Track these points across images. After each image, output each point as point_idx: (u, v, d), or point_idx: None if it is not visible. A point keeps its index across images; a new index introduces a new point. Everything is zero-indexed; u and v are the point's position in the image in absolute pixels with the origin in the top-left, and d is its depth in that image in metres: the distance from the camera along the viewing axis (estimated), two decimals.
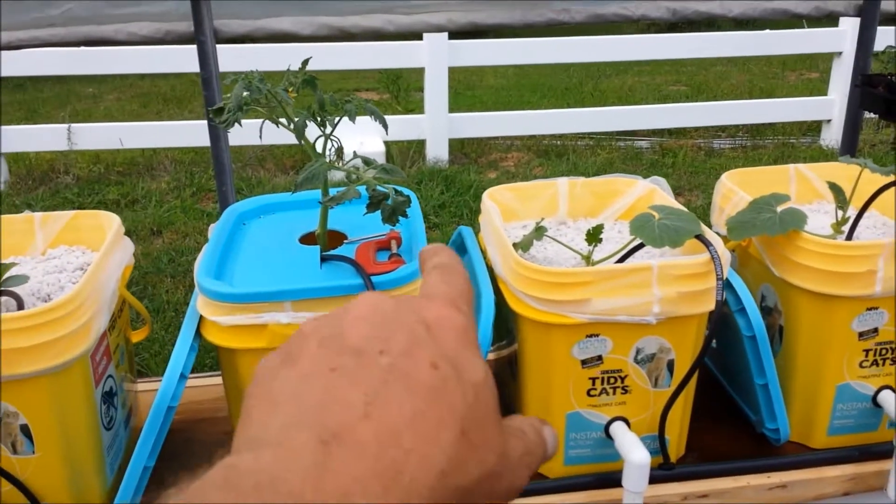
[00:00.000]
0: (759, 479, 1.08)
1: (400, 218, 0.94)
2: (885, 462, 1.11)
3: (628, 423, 1.05)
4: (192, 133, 4.60)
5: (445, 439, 0.35)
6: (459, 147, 4.96)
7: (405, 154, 4.74)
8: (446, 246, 0.47)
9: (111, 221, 1.14)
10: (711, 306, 0.99)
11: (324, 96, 1.02)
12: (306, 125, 1.00)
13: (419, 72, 4.72)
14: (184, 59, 4.35)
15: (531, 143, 5.07)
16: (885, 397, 1.09)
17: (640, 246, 1.06)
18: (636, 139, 5.14)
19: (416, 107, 5.38)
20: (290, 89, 1.02)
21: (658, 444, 1.06)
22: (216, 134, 2.09)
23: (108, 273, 1.04)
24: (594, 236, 1.08)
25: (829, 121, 4.87)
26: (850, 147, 2.23)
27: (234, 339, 0.93)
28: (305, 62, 1.08)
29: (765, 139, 5.07)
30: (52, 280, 1.08)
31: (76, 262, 1.13)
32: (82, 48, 4.46)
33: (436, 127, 4.66)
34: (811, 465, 1.10)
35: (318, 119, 1.01)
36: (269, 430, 0.35)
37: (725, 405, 1.23)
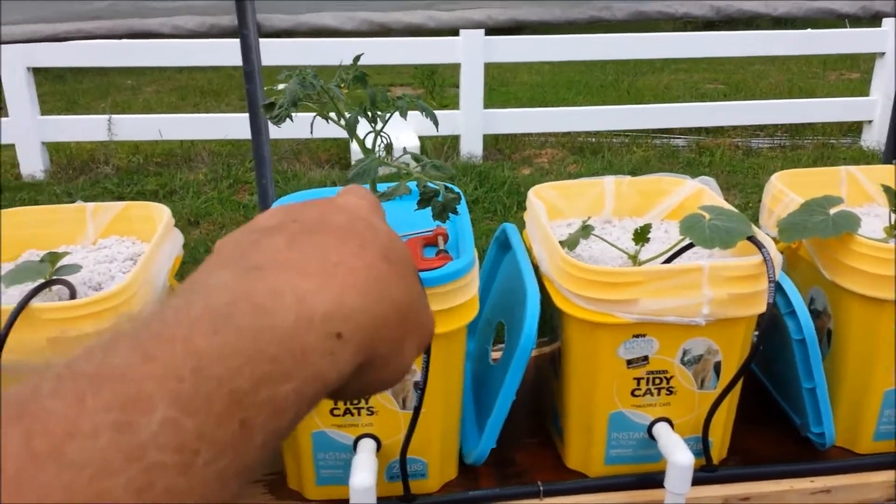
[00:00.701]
0: (802, 483, 1.07)
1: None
2: None
3: (672, 425, 1.04)
4: (229, 125, 4.65)
5: (369, 257, 0.36)
6: (493, 143, 4.95)
7: (439, 149, 4.74)
8: (359, 185, 0.49)
9: (161, 213, 1.16)
10: (761, 309, 0.98)
11: (375, 92, 1.02)
12: (358, 121, 1.00)
13: (454, 67, 4.72)
14: (221, 52, 4.40)
15: (566, 140, 5.04)
16: None
17: (689, 246, 1.05)
18: (672, 137, 5.09)
19: (450, 102, 5.38)
20: (342, 85, 1.02)
21: (701, 446, 1.06)
22: (258, 127, 2.10)
23: (160, 264, 1.05)
24: (642, 236, 1.07)
25: (870, 122, 4.79)
26: (895, 148, 2.19)
27: None
28: (357, 58, 1.08)
29: (804, 139, 4.99)
30: (103, 269, 1.10)
31: (126, 252, 1.15)
32: (122, 40, 4.52)
33: (470, 122, 4.66)
34: (856, 470, 1.09)
35: (370, 115, 1.01)
36: (190, 284, 0.35)
37: (769, 408, 1.22)
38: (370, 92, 1.03)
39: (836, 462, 1.10)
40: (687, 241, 1.05)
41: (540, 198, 1.21)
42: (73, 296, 0.99)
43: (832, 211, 1.07)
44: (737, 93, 6.39)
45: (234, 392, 0.29)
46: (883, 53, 4.64)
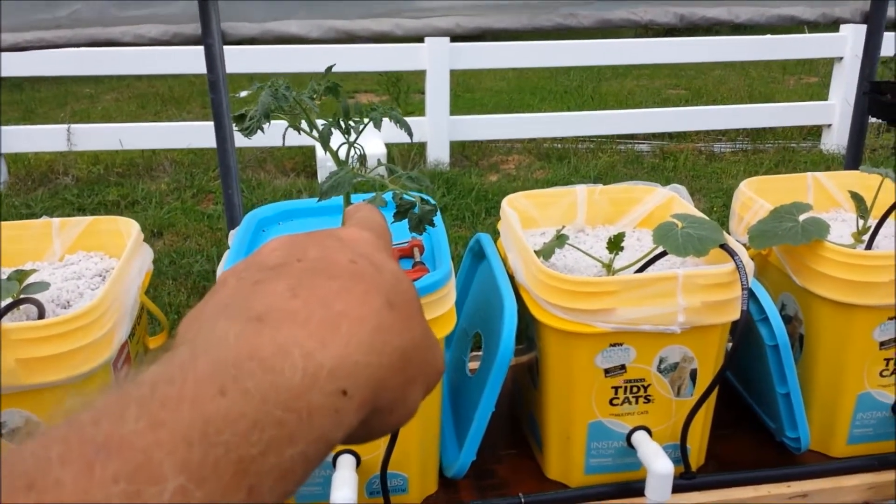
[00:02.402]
0: (779, 488, 1.08)
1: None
2: None
3: (650, 433, 1.05)
4: (192, 134, 4.59)
5: (373, 304, 0.36)
6: (460, 149, 4.95)
7: (406, 156, 4.73)
8: (369, 204, 0.49)
9: (130, 227, 1.14)
10: (735, 316, 0.99)
11: (348, 104, 1.01)
12: (331, 133, 0.99)
13: (418, 74, 4.72)
14: (182, 60, 4.35)
15: (531, 147, 5.07)
16: None
17: (662, 254, 1.06)
18: (637, 142, 5.14)
19: (415, 109, 5.38)
20: (314, 96, 1.01)
21: (679, 454, 1.06)
22: (223, 136, 2.07)
23: (130, 280, 1.03)
24: (615, 244, 1.08)
25: (829, 125, 4.89)
26: (856, 153, 2.23)
27: None
28: (329, 69, 1.07)
29: (765, 143, 5.08)
30: (71, 287, 1.07)
31: (94, 268, 1.13)
32: (82, 48, 4.44)
33: (437, 129, 4.66)
34: (831, 474, 1.11)
35: (343, 126, 1.00)
36: (195, 334, 0.34)
37: (743, 414, 1.23)
38: (343, 103, 1.02)
39: (812, 466, 1.11)
40: (659, 250, 1.06)
41: (513, 207, 1.21)
42: (41, 315, 0.97)
43: (801, 217, 1.08)
44: (698, 98, 6.48)
45: (241, 459, 0.28)
46: (841, 58, 4.74)
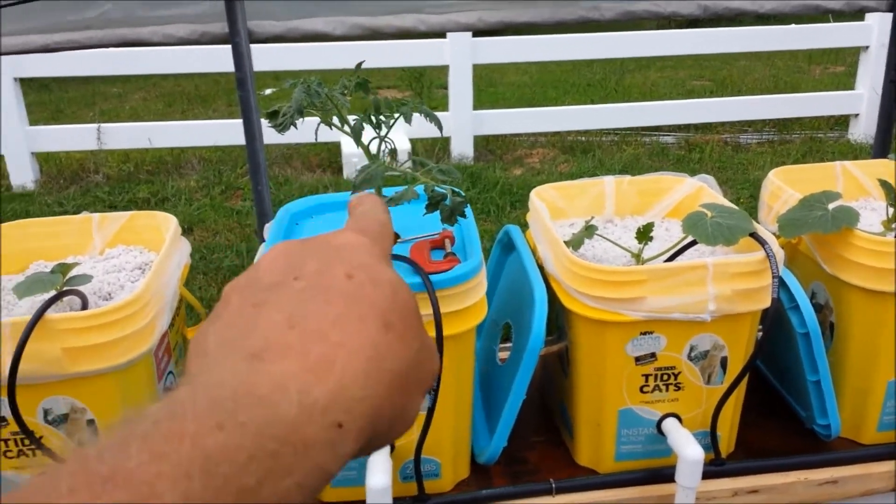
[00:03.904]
0: (809, 474, 1.09)
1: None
2: None
3: (680, 420, 1.06)
4: (218, 132, 4.65)
5: (369, 330, 0.36)
6: (484, 144, 4.96)
7: (430, 151, 4.76)
8: (372, 194, 0.49)
9: (168, 222, 1.17)
10: (765, 304, 1.00)
11: (379, 99, 1.03)
12: (363, 128, 1.01)
13: (440, 69, 4.73)
14: (208, 59, 4.40)
15: (556, 140, 5.06)
16: None
17: (692, 244, 1.07)
18: (661, 134, 5.12)
19: (438, 104, 5.40)
20: (345, 92, 1.03)
21: (709, 440, 1.07)
22: (252, 134, 2.10)
23: (170, 273, 1.06)
24: (644, 234, 1.09)
25: (856, 115, 4.84)
26: (884, 142, 2.21)
27: None
28: (359, 66, 1.09)
29: (792, 134, 5.04)
30: (112, 279, 1.10)
31: (134, 261, 1.16)
32: (109, 49, 4.51)
33: (460, 124, 4.67)
34: (861, 460, 1.11)
35: (374, 121, 1.02)
36: (198, 370, 0.36)
37: (773, 401, 1.24)
38: (374, 99, 1.04)
39: (843, 453, 1.12)
40: (688, 239, 1.07)
41: (542, 199, 1.22)
42: (84, 306, 1.00)
43: (831, 206, 1.08)
44: (723, 89, 6.43)
45: (240, 490, 0.30)
46: (867, 47, 4.69)
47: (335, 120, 1.07)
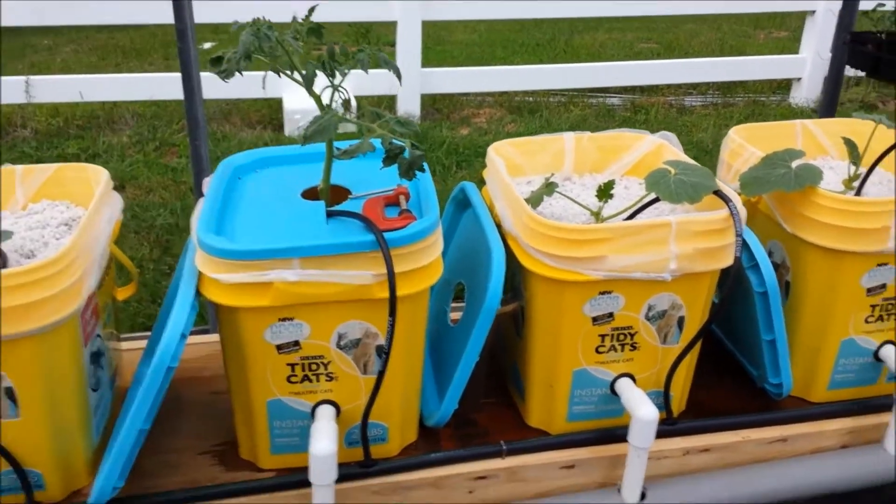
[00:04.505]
0: (759, 433, 1.08)
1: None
2: (883, 415, 1.12)
3: (634, 380, 1.04)
4: (154, 86, 4.44)
5: None
6: (431, 102, 4.87)
7: (377, 108, 4.65)
8: None
9: (99, 175, 1.08)
10: (726, 263, 0.97)
11: (333, 46, 0.96)
12: (316, 75, 0.95)
13: (388, 25, 4.61)
14: (144, 10, 4.19)
15: (503, 100, 5.00)
16: (887, 352, 1.10)
17: (654, 201, 1.04)
18: (608, 96, 5.11)
19: None
20: (297, 38, 0.96)
21: (662, 400, 1.06)
22: (190, 88, 1.99)
23: (99, 229, 0.98)
24: (605, 192, 1.05)
25: (799, 79, 4.89)
26: (831, 103, 2.23)
27: (237, 298, 0.89)
28: (311, 10, 1.02)
29: (735, 97, 5.07)
30: (35, 236, 1.02)
31: (60, 217, 1.07)
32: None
33: (408, 82, 4.56)
34: (811, 418, 1.11)
35: (328, 69, 0.95)
36: None
37: (724, 361, 1.23)
38: (329, 46, 0.97)
39: (794, 411, 1.12)
40: (649, 197, 1.03)
41: (500, 155, 1.17)
42: (4, 264, 0.92)
43: (794, 164, 1.06)
44: (670, 52, 6.44)
45: None
46: (813, 11, 4.72)
47: (285, 69, 1.00)
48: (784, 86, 5.12)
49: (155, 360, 0.87)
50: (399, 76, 0.96)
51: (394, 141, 0.89)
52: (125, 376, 1.18)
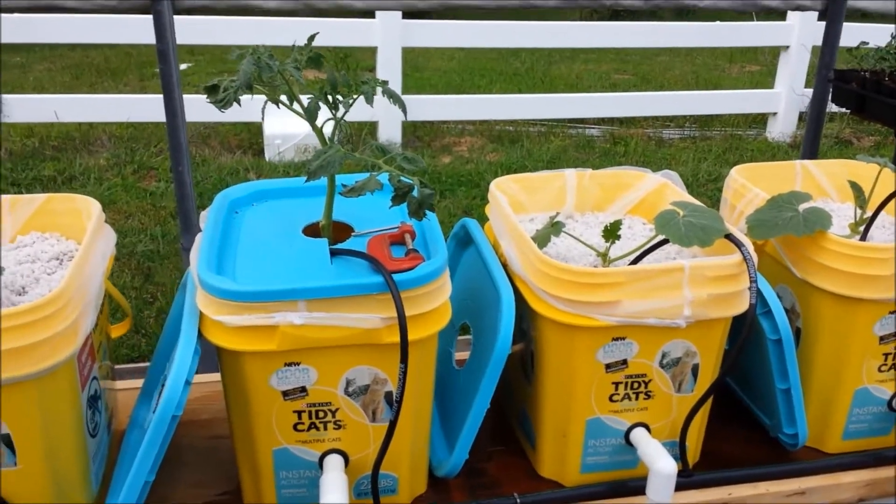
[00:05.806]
0: (777, 485, 1.06)
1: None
2: None
3: (649, 430, 1.01)
4: (131, 107, 4.38)
5: None
6: (412, 130, 4.87)
7: (357, 135, 4.62)
8: None
9: (90, 207, 1.04)
10: (740, 309, 0.95)
11: (336, 76, 0.94)
12: (319, 107, 0.92)
13: (367, 50, 4.61)
14: (119, 29, 4.13)
15: (483, 129, 5.01)
16: None
17: (663, 242, 1.02)
18: (587, 126, 5.14)
19: None
20: (298, 67, 0.93)
21: (677, 451, 1.03)
22: (173, 110, 1.96)
23: (94, 265, 0.94)
24: (612, 233, 1.03)
25: (775, 114, 4.96)
26: (814, 140, 2.24)
27: (242, 341, 0.85)
28: (311, 38, 1.00)
29: (712, 130, 5.13)
30: (26, 271, 0.98)
31: (51, 250, 1.03)
32: (15, 14, 4.19)
33: (389, 108, 4.55)
34: (828, 470, 1.08)
35: (330, 101, 0.93)
36: None
37: (735, 409, 1.20)
38: (330, 75, 0.95)
39: (810, 463, 1.09)
40: (657, 239, 1.02)
41: (503, 191, 1.15)
42: None
43: (801, 207, 1.05)
44: (646, 84, 6.52)
45: None
46: (787, 46, 4.80)
47: (284, 98, 0.97)
48: (760, 120, 5.19)
49: (159, 409, 0.83)
50: (404, 109, 0.93)
51: (402, 179, 0.86)
52: (121, 417, 1.13)
